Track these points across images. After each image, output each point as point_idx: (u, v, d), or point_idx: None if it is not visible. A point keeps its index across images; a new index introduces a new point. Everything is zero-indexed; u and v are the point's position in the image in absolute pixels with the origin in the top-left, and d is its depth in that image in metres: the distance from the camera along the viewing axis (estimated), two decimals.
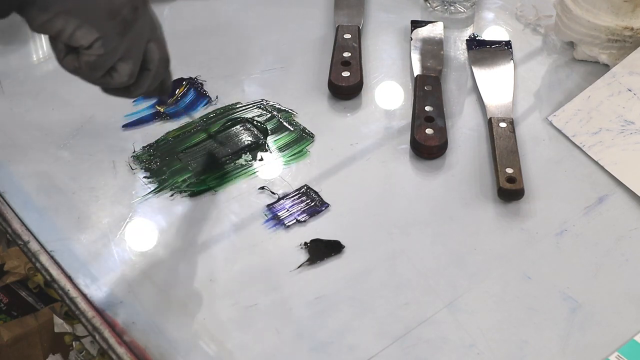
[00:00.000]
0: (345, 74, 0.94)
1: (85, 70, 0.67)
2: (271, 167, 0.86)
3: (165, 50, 0.73)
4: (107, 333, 0.71)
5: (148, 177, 0.85)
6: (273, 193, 0.83)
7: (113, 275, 0.76)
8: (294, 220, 0.80)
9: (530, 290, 0.75)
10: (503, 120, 0.89)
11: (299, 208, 0.82)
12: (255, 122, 0.90)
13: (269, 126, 0.90)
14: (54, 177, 0.84)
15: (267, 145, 0.88)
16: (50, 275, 0.76)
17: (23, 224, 0.80)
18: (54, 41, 0.67)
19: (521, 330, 0.72)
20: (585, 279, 0.76)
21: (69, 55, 0.67)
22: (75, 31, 0.64)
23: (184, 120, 0.91)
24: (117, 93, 0.73)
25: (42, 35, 1.01)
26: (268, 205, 0.82)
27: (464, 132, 0.90)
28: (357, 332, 0.72)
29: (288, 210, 0.81)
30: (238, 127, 0.90)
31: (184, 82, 0.95)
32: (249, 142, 0.88)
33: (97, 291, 0.74)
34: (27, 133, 0.89)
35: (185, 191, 0.83)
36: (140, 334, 0.71)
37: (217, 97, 0.94)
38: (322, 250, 0.78)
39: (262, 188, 0.84)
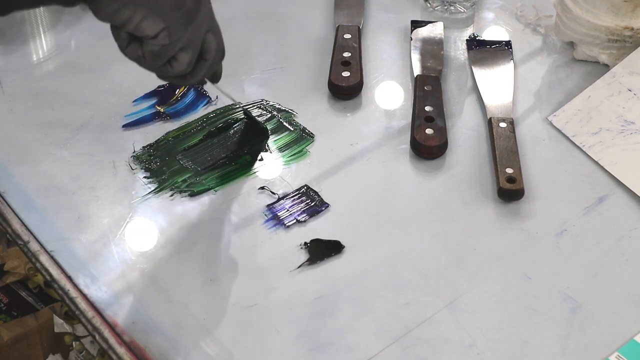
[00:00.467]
0: (345, 74, 0.94)
1: (148, 59, 0.69)
2: (271, 167, 0.86)
3: (221, 41, 0.75)
4: (107, 333, 0.71)
5: (148, 177, 0.85)
6: (273, 193, 0.83)
7: (113, 275, 0.76)
8: (294, 220, 0.80)
9: (530, 290, 0.75)
10: (503, 120, 0.89)
11: (299, 208, 0.82)
12: (257, 123, 0.90)
13: (269, 126, 0.90)
14: (54, 177, 0.84)
15: (267, 145, 0.88)
16: (50, 275, 0.76)
17: (23, 224, 0.80)
18: (116, 30, 0.69)
19: (521, 330, 0.72)
20: (585, 279, 0.76)
21: (132, 44, 0.69)
22: (141, 21, 0.66)
23: (184, 120, 0.91)
24: (173, 80, 0.75)
25: (43, 37, 1.02)
26: (268, 205, 0.82)
27: (464, 132, 0.90)
28: (357, 332, 0.72)
29: (288, 210, 0.81)
30: (239, 126, 0.90)
31: None
32: (250, 142, 0.88)
33: (97, 291, 0.74)
34: (27, 133, 0.89)
35: (185, 191, 0.83)
36: (140, 334, 0.71)
37: (217, 97, 0.94)
38: (322, 250, 0.78)
39: (262, 188, 0.84)
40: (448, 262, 0.78)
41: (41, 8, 1.03)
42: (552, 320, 0.73)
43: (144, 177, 0.85)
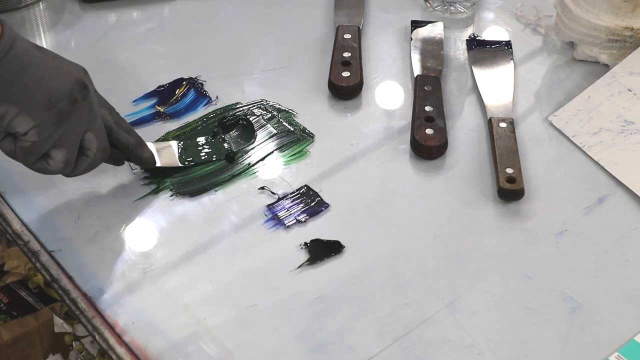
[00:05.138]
0: (345, 74, 0.94)
1: (20, 154, 0.72)
2: (271, 167, 0.86)
3: (104, 140, 0.77)
4: (107, 333, 0.71)
5: (148, 177, 0.84)
6: (273, 193, 0.83)
7: (113, 275, 0.76)
8: (294, 220, 0.80)
9: (530, 290, 0.75)
10: (503, 120, 0.89)
11: (299, 208, 0.82)
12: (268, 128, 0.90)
13: (270, 126, 0.90)
14: (54, 177, 0.84)
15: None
16: (50, 275, 0.76)
17: (23, 224, 0.80)
18: None
19: (521, 330, 0.72)
20: (585, 279, 0.76)
21: (6, 138, 0.72)
22: (13, 118, 0.70)
23: (184, 120, 0.91)
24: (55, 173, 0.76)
25: (43, 37, 1.02)
26: (268, 205, 0.82)
27: (464, 132, 0.90)
28: (357, 332, 0.72)
29: (288, 210, 0.81)
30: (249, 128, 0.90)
31: (184, 82, 0.95)
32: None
33: (97, 291, 0.74)
34: None
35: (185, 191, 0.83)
36: (140, 334, 0.71)
37: (217, 97, 0.94)
38: (322, 250, 0.78)
39: (262, 188, 0.84)
40: (448, 262, 0.78)
41: (41, 7, 1.03)
42: (552, 320, 0.73)
43: (144, 177, 0.85)
